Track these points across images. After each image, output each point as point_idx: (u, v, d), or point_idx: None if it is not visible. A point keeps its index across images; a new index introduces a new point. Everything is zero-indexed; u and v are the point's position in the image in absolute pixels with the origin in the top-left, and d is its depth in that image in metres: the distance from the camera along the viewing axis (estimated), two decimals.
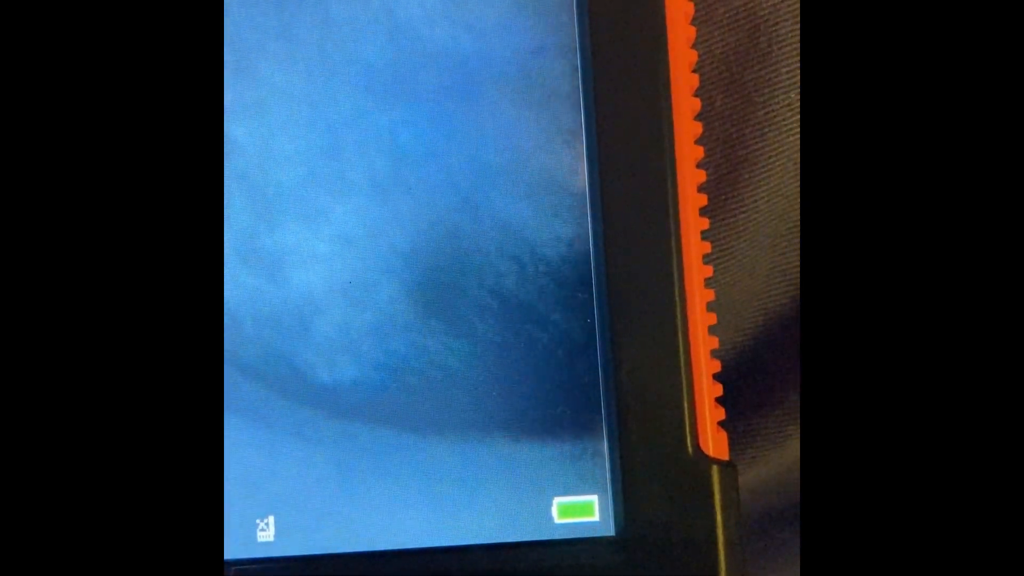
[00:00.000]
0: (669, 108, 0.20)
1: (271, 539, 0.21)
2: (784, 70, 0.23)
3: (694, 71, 0.21)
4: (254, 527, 0.21)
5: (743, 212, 0.24)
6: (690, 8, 0.20)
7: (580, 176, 0.21)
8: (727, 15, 0.23)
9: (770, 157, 0.24)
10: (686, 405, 0.20)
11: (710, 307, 0.20)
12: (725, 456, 0.20)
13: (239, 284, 0.21)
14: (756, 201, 0.24)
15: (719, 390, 0.20)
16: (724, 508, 0.20)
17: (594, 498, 0.21)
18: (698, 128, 0.21)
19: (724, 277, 0.24)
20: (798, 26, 0.23)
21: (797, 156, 0.24)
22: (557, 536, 0.20)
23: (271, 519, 0.21)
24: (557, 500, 0.21)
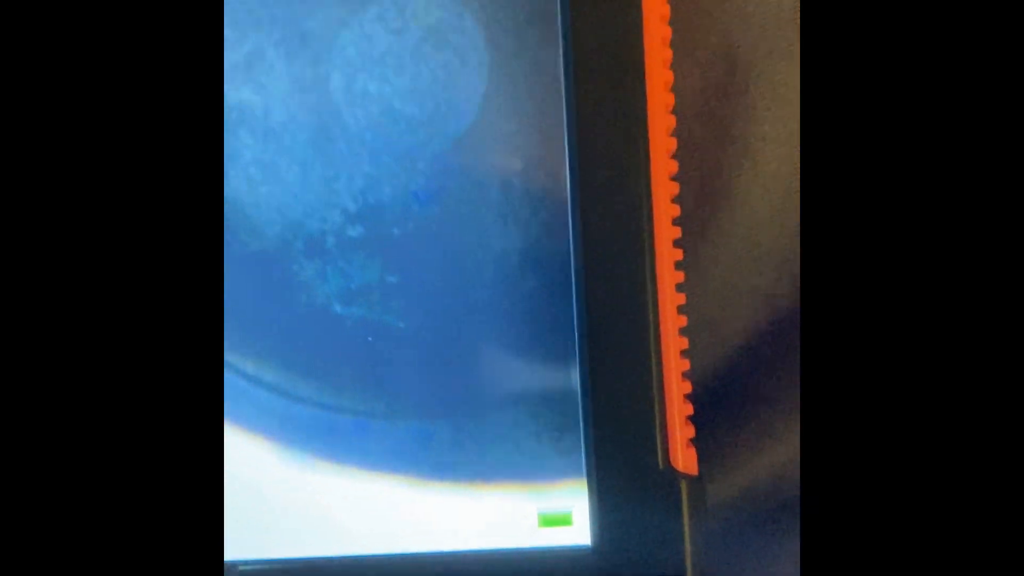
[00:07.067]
0: (647, 148, 0.21)
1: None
2: (760, 104, 0.25)
3: (672, 112, 0.22)
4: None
5: (721, 238, 0.25)
6: (668, 54, 0.22)
7: (563, 206, 0.22)
8: (706, 55, 0.24)
9: (747, 185, 0.25)
10: (658, 425, 0.21)
11: (682, 332, 0.22)
12: (694, 471, 0.22)
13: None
14: (733, 227, 0.25)
15: (690, 410, 0.22)
16: (692, 519, 0.22)
17: (572, 509, 0.22)
18: (674, 166, 0.22)
19: (701, 300, 0.25)
20: (773, 64, 0.24)
21: (771, 184, 0.25)
22: (538, 544, 0.22)
23: None
24: (539, 511, 0.22)
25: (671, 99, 0.22)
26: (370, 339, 0.22)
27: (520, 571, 0.22)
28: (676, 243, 0.22)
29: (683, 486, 0.22)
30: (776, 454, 0.27)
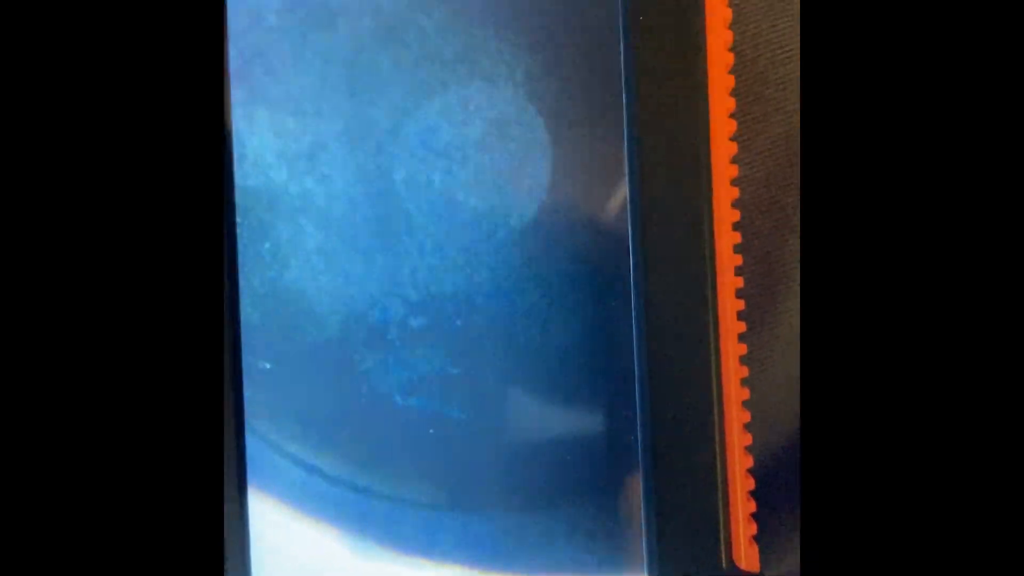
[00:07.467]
0: (712, 242, 0.21)
1: None
2: None
3: (734, 206, 0.22)
4: None
5: (783, 329, 0.25)
6: (733, 148, 0.22)
7: (626, 298, 0.22)
8: (766, 144, 0.24)
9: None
10: (722, 523, 0.21)
11: (747, 427, 0.22)
12: (756, 568, 0.22)
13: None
14: (792, 315, 0.25)
15: (753, 507, 0.22)
16: None
17: None
18: (738, 259, 0.22)
19: (764, 393, 0.25)
20: None
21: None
22: None
23: None
24: None
25: (735, 192, 0.22)
26: (431, 431, 0.22)
27: None
28: (741, 337, 0.22)
29: None
30: None
